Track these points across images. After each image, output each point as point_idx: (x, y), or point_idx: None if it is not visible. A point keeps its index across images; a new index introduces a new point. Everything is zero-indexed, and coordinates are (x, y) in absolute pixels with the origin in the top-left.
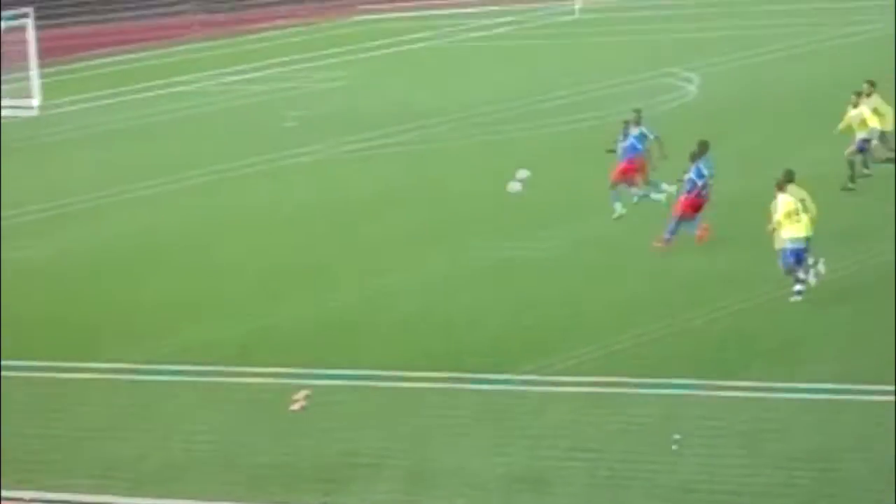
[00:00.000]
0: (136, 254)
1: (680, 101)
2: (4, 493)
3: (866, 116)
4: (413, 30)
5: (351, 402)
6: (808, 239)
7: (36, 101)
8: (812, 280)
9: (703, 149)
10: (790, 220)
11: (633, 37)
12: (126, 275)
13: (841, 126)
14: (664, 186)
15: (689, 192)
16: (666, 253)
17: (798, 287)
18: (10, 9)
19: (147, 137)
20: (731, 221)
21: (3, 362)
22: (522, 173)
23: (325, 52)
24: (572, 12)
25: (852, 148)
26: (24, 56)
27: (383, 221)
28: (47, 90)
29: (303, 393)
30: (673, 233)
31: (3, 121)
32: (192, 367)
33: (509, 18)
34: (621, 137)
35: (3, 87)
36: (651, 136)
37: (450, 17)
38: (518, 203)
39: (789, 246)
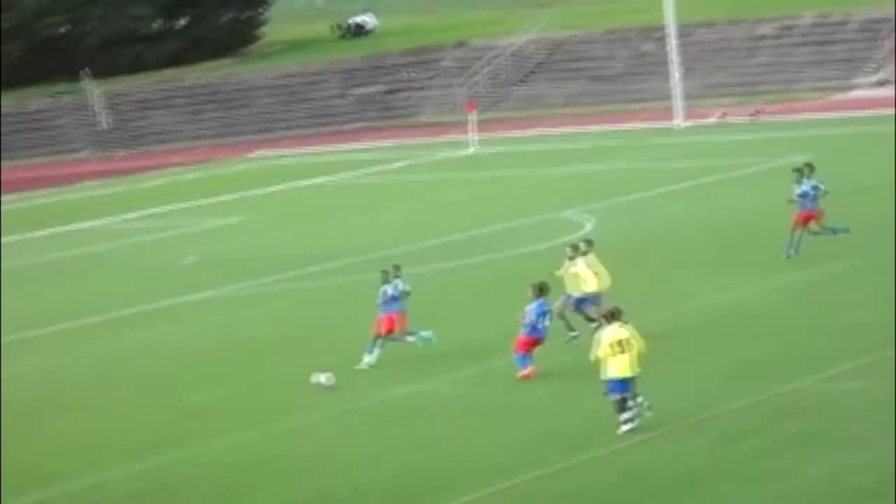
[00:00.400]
0: (34, 397)
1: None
2: None
3: (582, 275)
4: (308, 168)
5: None
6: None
7: None
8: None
9: None
10: (614, 354)
11: (531, 172)
12: (22, 416)
13: (558, 273)
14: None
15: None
16: (566, 383)
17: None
18: None
19: (44, 278)
20: None
21: None
22: (326, 378)
23: (218, 192)
24: (468, 148)
25: (561, 303)
26: None
27: (279, 361)
28: None
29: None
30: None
31: None
32: None
33: (403, 156)
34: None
35: None
36: None
37: (347, 153)
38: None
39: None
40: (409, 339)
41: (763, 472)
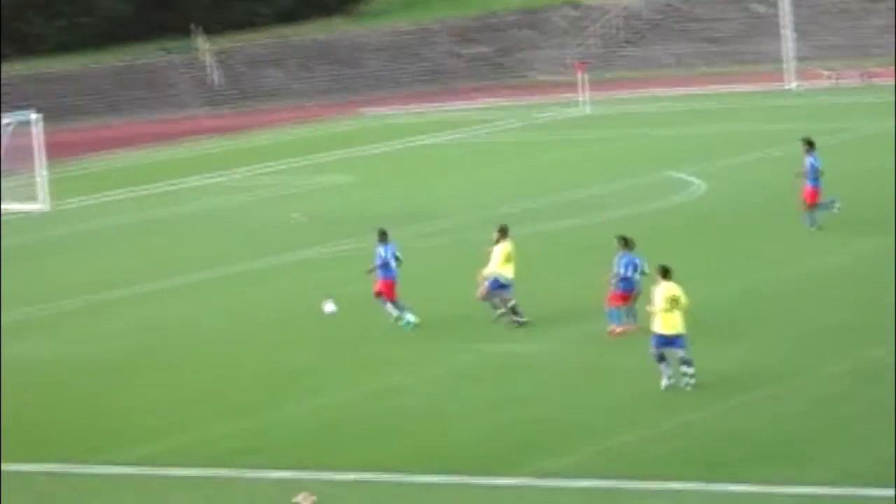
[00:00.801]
0: (138, 352)
1: (685, 200)
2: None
3: (500, 260)
4: (419, 126)
5: (352, 500)
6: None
7: (42, 202)
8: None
9: None
10: (667, 310)
11: (642, 132)
12: (127, 373)
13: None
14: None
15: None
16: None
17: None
18: (20, 109)
19: (153, 235)
20: (726, 319)
21: (3, 464)
22: (330, 305)
23: (328, 149)
24: (579, 108)
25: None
26: (30, 156)
27: (384, 320)
28: (55, 189)
29: (303, 495)
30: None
31: (10, 219)
32: (191, 468)
33: (514, 115)
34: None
35: (4, 187)
36: None
37: (458, 111)
38: (524, 301)
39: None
40: (393, 311)
41: (859, 436)
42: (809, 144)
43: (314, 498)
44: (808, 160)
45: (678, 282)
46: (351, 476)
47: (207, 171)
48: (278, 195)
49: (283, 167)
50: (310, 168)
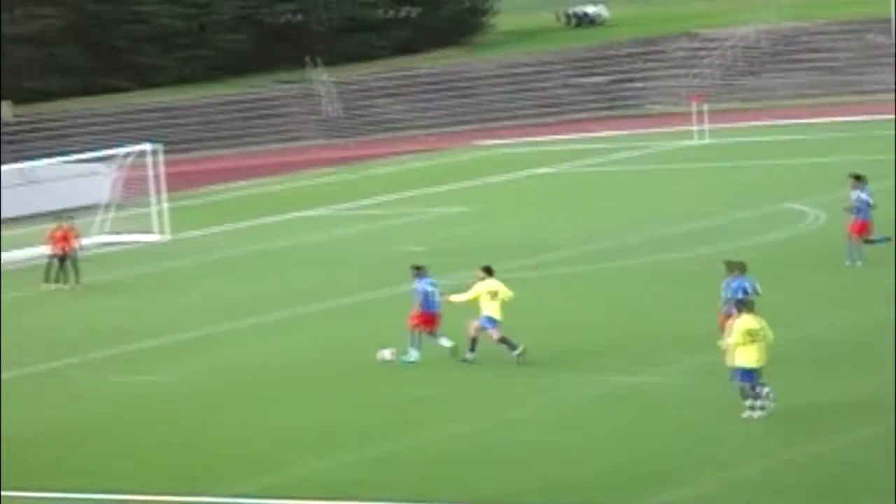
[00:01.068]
0: (259, 382)
1: (803, 231)
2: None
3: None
4: (534, 157)
5: None
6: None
7: (161, 233)
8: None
9: None
10: (744, 343)
11: (758, 163)
12: (248, 403)
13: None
14: None
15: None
16: (788, 373)
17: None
18: (139, 140)
19: (271, 266)
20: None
21: (122, 495)
22: (391, 353)
23: (444, 180)
24: (694, 139)
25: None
26: (148, 187)
27: (501, 352)
28: (173, 220)
29: None
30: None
31: (129, 249)
32: (309, 500)
33: (629, 146)
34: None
35: (123, 217)
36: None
37: (573, 142)
38: (645, 332)
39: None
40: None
41: None
42: (857, 179)
43: None
44: (857, 194)
45: (796, 312)
46: None
47: (324, 203)
48: (394, 226)
49: (398, 198)
50: (426, 199)
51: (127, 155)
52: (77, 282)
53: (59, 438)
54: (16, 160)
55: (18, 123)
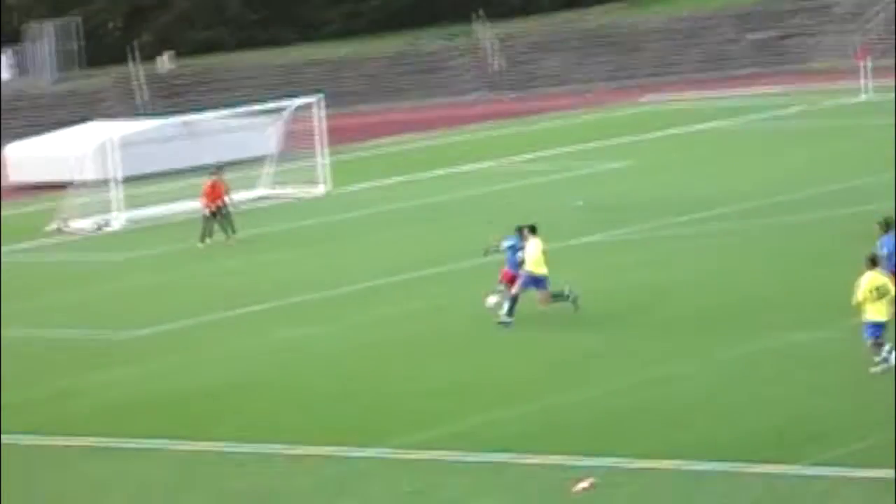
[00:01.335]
0: (419, 336)
1: None
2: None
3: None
4: (698, 113)
5: (633, 487)
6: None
7: (322, 186)
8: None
9: None
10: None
11: None
12: (408, 357)
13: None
14: None
15: None
16: None
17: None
18: (300, 94)
19: (431, 221)
20: None
21: (282, 446)
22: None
23: (608, 135)
24: (860, 95)
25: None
26: (311, 140)
27: (663, 307)
28: (335, 173)
29: (588, 482)
30: None
31: (291, 202)
32: (468, 453)
33: (795, 102)
34: None
35: (285, 171)
36: None
37: (738, 98)
38: (805, 290)
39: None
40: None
41: None
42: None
43: (593, 480)
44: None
45: None
46: (632, 464)
47: (486, 157)
48: (557, 181)
49: (560, 153)
50: (588, 154)
51: (291, 108)
52: (230, 234)
53: (222, 391)
54: (177, 112)
55: (180, 75)
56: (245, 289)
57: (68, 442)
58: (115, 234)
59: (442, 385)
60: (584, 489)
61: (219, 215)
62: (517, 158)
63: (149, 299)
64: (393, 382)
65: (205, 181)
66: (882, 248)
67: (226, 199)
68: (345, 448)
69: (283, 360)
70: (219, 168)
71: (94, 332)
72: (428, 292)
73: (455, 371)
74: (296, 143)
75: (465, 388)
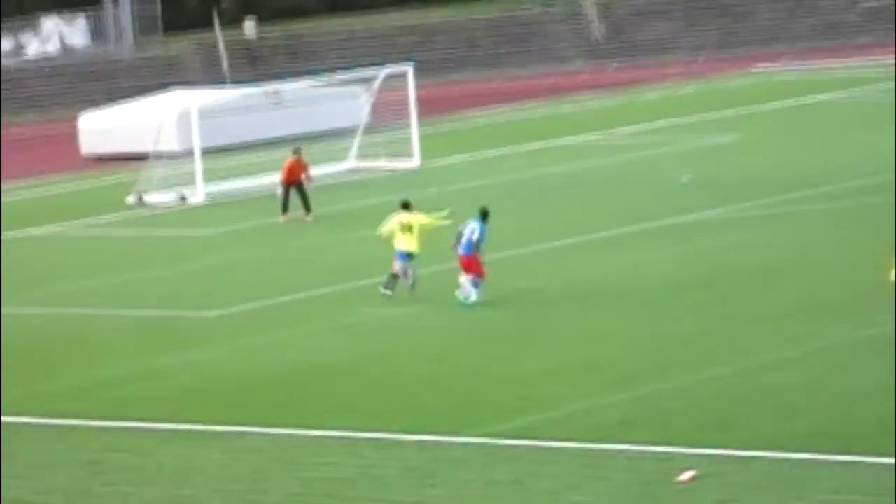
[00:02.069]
0: (517, 319)
1: None
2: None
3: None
4: (812, 84)
5: (739, 477)
6: None
7: (414, 159)
8: None
9: None
10: None
11: None
12: (504, 340)
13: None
14: None
15: None
16: None
17: None
18: (390, 62)
19: (526, 197)
20: None
21: (370, 433)
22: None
23: (715, 107)
24: None
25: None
26: (402, 111)
27: (773, 290)
28: (427, 145)
29: (691, 472)
30: None
31: (379, 177)
32: (567, 441)
33: None
34: None
35: (374, 143)
36: None
37: (853, 68)
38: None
39: None
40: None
41: None
42: None
43: (697, 470)
44: None
45: None
46: (737, 453)
47: (586, 130)
48: (662, 155)
49: (667, 125)
50: (695, 126)
51: (381, 76)
52: (307, 212)
53: (308, 373)
54: (261, 81)
55: (264, 42)
56: (333, 266)
57: (148, 425)
58: (195, 208)
59: (539, 370)
60: (689, 479)
61: (293, 191)
62: (619, 131)
63: (233, 277)
64: (488, 365)
65: (287, 158)
66: None
67: (304, 177)
68: (435, 435)
69: (371, 341)
70: (299, 148)
71: (176, 311)
72: (527, 272)
73: (554, 355)
74: (386, 113)
75: (563, 373)
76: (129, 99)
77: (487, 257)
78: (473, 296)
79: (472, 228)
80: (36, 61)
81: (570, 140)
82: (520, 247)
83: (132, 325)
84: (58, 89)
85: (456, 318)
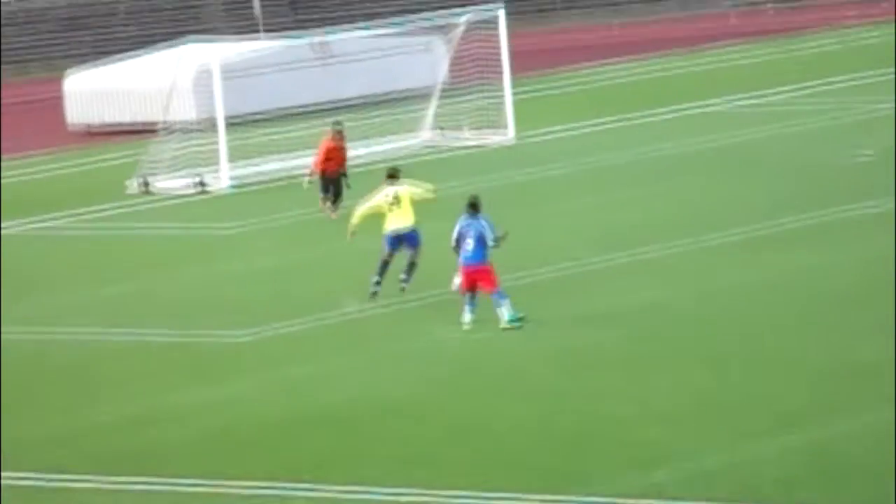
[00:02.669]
0: (634, 340)
1: None
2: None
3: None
4: None
5: None
6: None
7: (507, 132)
8: None
9: None
10: None
11: None
12: (619, 369)
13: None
14: None
15: None
16: None
17: None
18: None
19: (653, 179)
20: None
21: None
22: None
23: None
24: None
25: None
26: (489, 68)
27: None
28: (521, 112)
29: None
30: None
31: (465, 154)
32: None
33: None
34: None
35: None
36: None
37: None
38: None
39: None
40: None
41: None
42: None
43: None
44: None
45: None
46: None
47: (733, 91)
48: (834, 125)
49: (841, 86)
50: (881, 87)
51: (463, 23)
52: (333, 210)
53: (361, 414)
54: (303, 29)
55: None
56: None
57: (157, 484)
58: (217, 196)
59: (671, 408)
60: None
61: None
62: (777, 94)
63: (267, 287)
64: (602, 403)
65: (325, 135)
66: None
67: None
68: (535, 494)
69: (444, 372)
70: (339, 123)
71: (194, 333)
72: (649, 278)
73: (683, 389)
74: (470, 71)
75: (697, 412)
76: (130, 53)
77: (600, 264)
78: (511, 310)
79: (479, 227)
80: (7, 3)
81: (711, 105)
82: (644, 245)
83: (137, 350)
84: (35, 40)
85: (557, 340)
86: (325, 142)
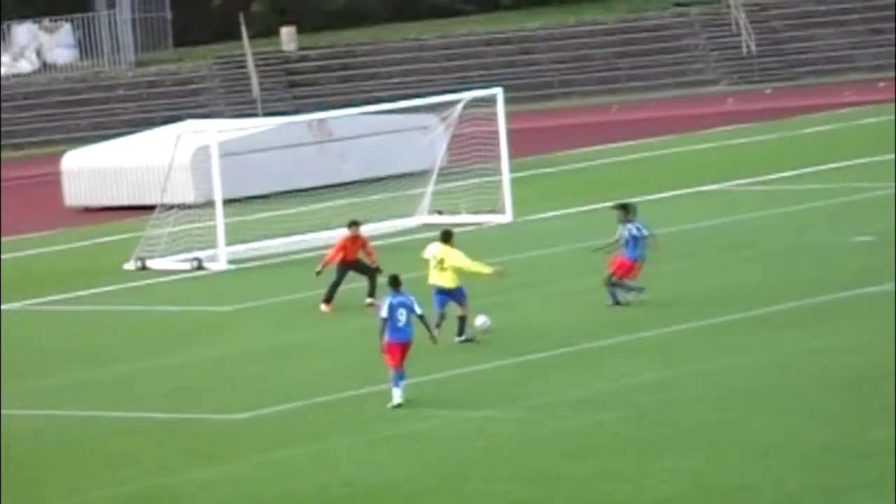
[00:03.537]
0: (632, 423)
1: None
2: None
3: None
4: None
5: None
6: None
7: (508, 213)
8: None
9: None
10: None
11: None
12: (632, 452)
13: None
14: None
15: None
16: None
17: None
18: (473, 86)
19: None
20: None
21: None
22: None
23: None
24: None
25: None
26: (490, 149)
27: None
28: (521, 194)
29: None
30: None
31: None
32: None
33: None
34: None
35: (451, 190)
36: None
37: None
38: None
39: None
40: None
41: None
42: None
43: None
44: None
45: None
46: None
47: (730, 174)
48: (833, 207)
49: (840, 167)
50: (881, 168)
51: (461, 104)
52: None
53: (371, 496)
54: (301, 109)
55: (306, 58)
56: None
57: None
58: (215, 276)
59: (668, 491)
60: None
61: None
62: (775, 176)
63: (265, 367)
64: (598, 485)
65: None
66: None
67: (363, 255)
68: None
69: (448, 453)
70: (356, 222)
71: (191, 413)
72: (648, 360)
73: (689, 471)
74: (467, 152)
75: (700, 495)
76: (128, 132)
77: (599, 345)
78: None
79: (408, 302)
80: (7, 82)
81: (709, 187)
82: (643, 326)
83: (133, 430)
84: (35, 119)
85: (545, 423)
86: (343, 239)
